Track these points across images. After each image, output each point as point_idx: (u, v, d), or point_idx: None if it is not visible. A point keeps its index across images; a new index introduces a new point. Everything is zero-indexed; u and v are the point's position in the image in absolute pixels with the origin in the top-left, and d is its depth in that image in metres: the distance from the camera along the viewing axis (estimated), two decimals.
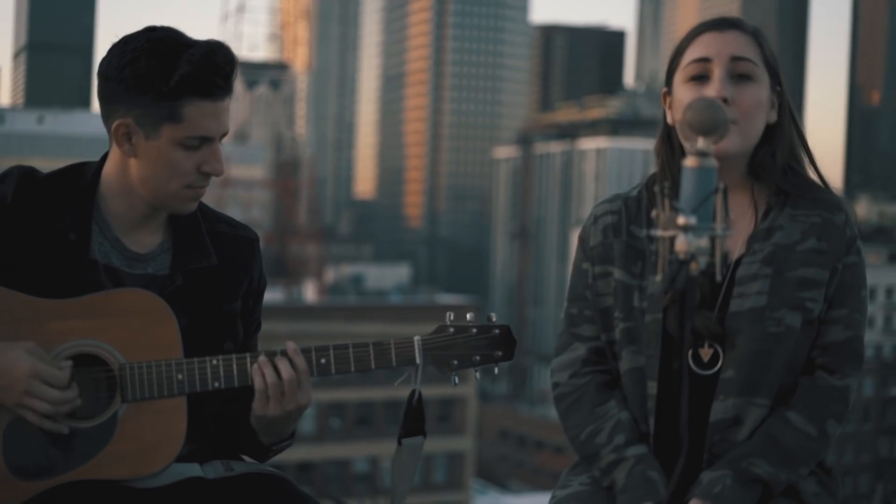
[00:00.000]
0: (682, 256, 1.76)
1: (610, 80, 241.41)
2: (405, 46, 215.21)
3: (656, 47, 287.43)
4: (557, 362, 2.57)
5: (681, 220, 1.78)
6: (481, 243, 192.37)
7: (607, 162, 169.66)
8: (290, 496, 2.51)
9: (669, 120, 2.54)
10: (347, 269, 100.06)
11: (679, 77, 2.50)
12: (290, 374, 2.46)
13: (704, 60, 2.44)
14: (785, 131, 2.51)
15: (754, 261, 2.44)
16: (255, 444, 2.59)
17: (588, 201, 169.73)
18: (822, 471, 2.49)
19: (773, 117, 2.51)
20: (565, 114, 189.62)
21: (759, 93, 2.46)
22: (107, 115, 2.49)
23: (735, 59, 2.44)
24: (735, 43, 2.46)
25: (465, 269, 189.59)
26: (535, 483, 79.99)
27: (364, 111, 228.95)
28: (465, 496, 59.90)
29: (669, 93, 2.53)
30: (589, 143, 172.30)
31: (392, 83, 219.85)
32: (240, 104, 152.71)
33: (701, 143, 1.87)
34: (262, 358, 2.48)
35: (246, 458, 2.66)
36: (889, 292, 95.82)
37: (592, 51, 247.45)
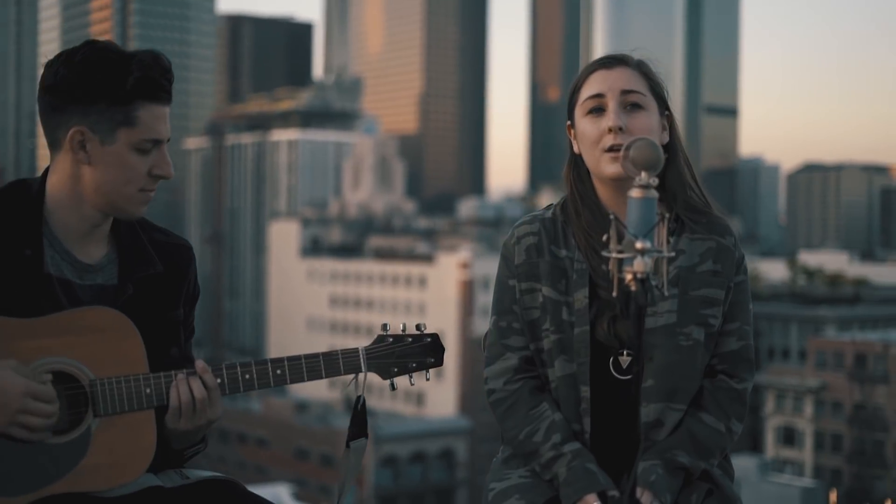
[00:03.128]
0: (640, 276, 2.02)
1: (299, 72, 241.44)
2: (87, 33, 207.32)
3: (344, 40, 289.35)
4: (491, 371, 2.82)
5: (639, 244, 2.03)
6: None
7: (299, 153, 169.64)
8: (244, 499, 2.65)
9: (575, 149, 2.82)
10: None
11: (579, 111, 2.78)
12: (202, 394, 2.58)
13: (599, 96, 2.74)
14: (677, 150, 2.81)
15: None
16: (169, 451, 2.68)
17: (282, 192, 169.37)
18: (723, 457, 2.86)
19: (665, 138, 2.80)
20: (256, 105, 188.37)
21: (650, 119, 2.74)
22: (56, 125, 2.56)
23: (625, 91, 2.73)
24: (623, 77, 2.75)
25: None
26: (238, 477, 79.12)
27: None
28: None
29: (573, 125, 2.82)
30: (281, 135, 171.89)
31: None
32: None
33: (644, 176, 2.12)
34: (179, 376, 2.58)
35: (188, 465, 2.78)
36: None
37: (280, 42, 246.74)
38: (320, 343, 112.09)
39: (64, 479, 2.48)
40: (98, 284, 2.62)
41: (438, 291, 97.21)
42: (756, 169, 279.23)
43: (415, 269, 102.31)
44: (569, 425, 2.74)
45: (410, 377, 2.78)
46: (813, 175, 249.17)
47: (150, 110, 2.55)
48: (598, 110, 2.75)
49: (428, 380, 2.80)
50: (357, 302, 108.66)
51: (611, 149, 2.70)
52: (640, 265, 2.03)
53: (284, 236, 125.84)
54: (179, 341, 2.73)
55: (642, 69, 2.80)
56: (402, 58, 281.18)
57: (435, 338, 2.78)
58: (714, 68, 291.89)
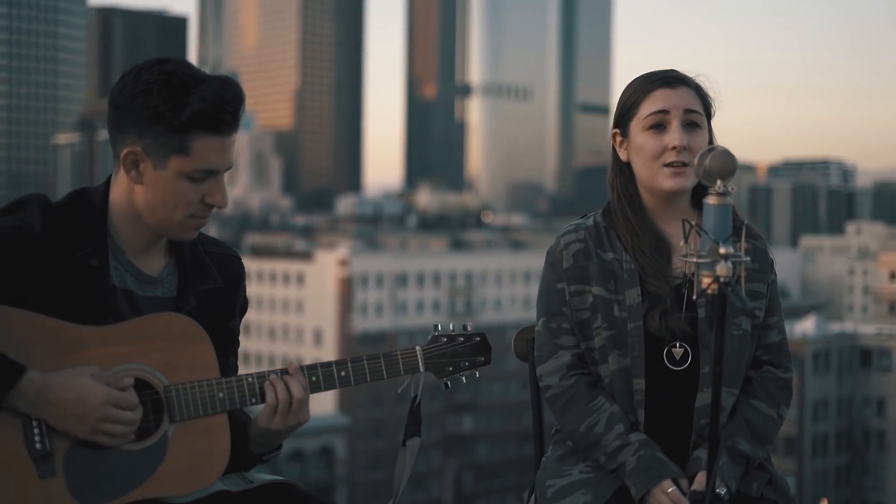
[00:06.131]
0: (723, 280, 2.17)
1: None
2: None
3: (219, 34, 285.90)
4: (545, 368, 2.94)
5: (722, 249, 2.18)
6: None
7: None
8: (305, 502, 2.69)
9: (623, 157, 2.98)
10: None
11: (637, 125, 2.93)
12: (301, 393, 2.64)
13: (662, 112, 2.89)
14: None
15: None
16: (247, 454, 2.72)
17: None
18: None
19: None
20: None
21: (705, 137, 2.93)
22: (116, 141, 2.55)
23: (687, 111, 2.90)
24: (686, 97, 2.91)
25: None
26: None
27: None
28: None
29: (623, 134, 2.97)
30: None
31: None
32: None
33: (720, 184, 2.26)
34: (273, 376, 2.64)
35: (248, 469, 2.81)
36: (452, 277, 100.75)
37: (153, 36, 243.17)
38: None
39: (144, 485, 2.49)
40: (157, 297, 2.64)
41: (317, 289, 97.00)
42: None
43: (293, 267, 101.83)
44: (627, 417, 2.85)
45: (462, 375, 2.86)
46: None
47: (206, 142, 2.51)
48: (659, 126, 2.89)
49: (477, 377, 2.88)
50: None
51: (670, 164, 2.86)
52: (722, 269, 2.15)
53: None
54: (236, 350, 2.77)
55: (699, 91, 2.95)
56: (277, 53, 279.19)
57: (483, 337, 2.88)
58: (588, 67, 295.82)
